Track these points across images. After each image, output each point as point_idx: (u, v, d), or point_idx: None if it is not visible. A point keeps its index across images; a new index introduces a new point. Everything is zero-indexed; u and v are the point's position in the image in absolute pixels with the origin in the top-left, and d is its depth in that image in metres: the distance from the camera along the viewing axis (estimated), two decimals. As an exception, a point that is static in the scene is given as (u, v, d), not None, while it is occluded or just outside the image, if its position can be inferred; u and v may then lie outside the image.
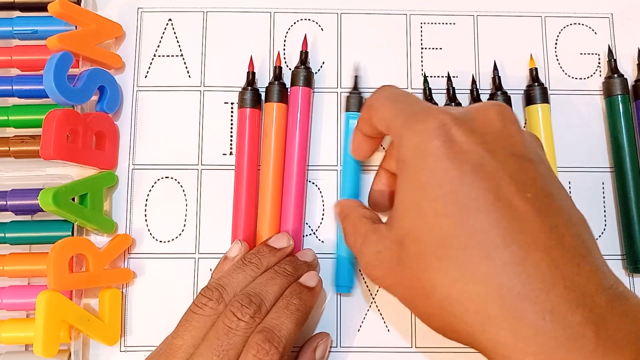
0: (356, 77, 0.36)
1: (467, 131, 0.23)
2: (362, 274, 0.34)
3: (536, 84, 0.35)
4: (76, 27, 0.35)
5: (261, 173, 0.34)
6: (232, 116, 0.36)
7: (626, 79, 0.35)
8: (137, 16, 0.37)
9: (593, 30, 0.38)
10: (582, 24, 0.38)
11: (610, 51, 0.36)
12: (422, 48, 0.37)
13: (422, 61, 0.37)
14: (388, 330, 0.34)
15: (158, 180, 0.35)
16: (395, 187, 0.25)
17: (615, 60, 0.36)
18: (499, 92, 0.35)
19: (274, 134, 0.34)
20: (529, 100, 0.35)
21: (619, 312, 0.21)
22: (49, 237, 0.33)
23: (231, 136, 0.36)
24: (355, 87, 0.35)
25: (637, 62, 0.36)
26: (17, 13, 0.36)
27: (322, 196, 0.35)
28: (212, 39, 0.37)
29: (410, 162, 0.24)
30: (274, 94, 0.34)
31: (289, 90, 0.35)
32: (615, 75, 0.35)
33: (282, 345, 0.26)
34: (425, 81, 0.36)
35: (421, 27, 0.37)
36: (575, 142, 0.36)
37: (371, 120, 0.28)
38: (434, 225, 0.23)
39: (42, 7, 0.35)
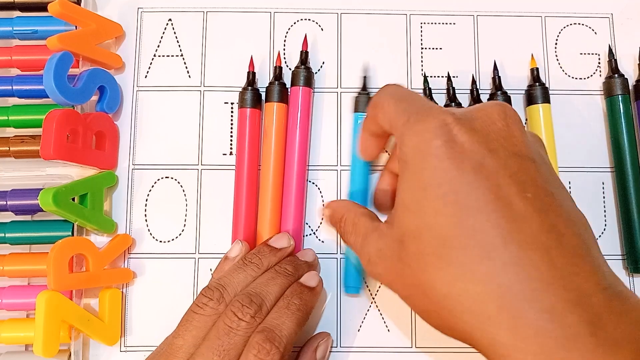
0: (365, 77, 0.36)
1: (469, 131, 0.23)
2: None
3: (537, 83, 0.35)
4: (76, 27, 0.35)
5: (261, 173, 0.34)
6: (232, 116, 0.36)
7: (627, 79, 0.35)
8: (137, 16, 0.37)
9: (593, 30, 0.38)
10: (582, 24, 0.38)
11: (610, 51, 0.36)
12: (422, 48, 0.37)
13: (422, 61, 0.37)
14: (388, 330, 0.34)
15: (158, 180, 0.35)
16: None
17: (615, 60, 0.36)
18: (499, 92, 0.35)
19: (274, 134, 0.34)
20: (530, 100, 0.35)
21: (618, 312, 0.20)
22: (49, 237, 0.33)
23: (231, 136, 0.36)
24: (364, 88, 0.35)
25: (637, 62, 0.36)
26: (17, 13, 0.36)
27: (322, 196, 0.35)
28: (212, 39, 0.37)
29: (411, 162, 0.24)
30: (274, 94, 0.34)
31: (289, 90, 0.35)
32: (616, 75, 0.35)
33: (282, 345, 0.26)
34: (425, 81, 0.36)
35: (421, 27, 0.37)
36: (575, 142, 0.36)
37: (376, 118, 0.28)
38: (434, 225, 0.23)
39: (42, 7, 0.35)
